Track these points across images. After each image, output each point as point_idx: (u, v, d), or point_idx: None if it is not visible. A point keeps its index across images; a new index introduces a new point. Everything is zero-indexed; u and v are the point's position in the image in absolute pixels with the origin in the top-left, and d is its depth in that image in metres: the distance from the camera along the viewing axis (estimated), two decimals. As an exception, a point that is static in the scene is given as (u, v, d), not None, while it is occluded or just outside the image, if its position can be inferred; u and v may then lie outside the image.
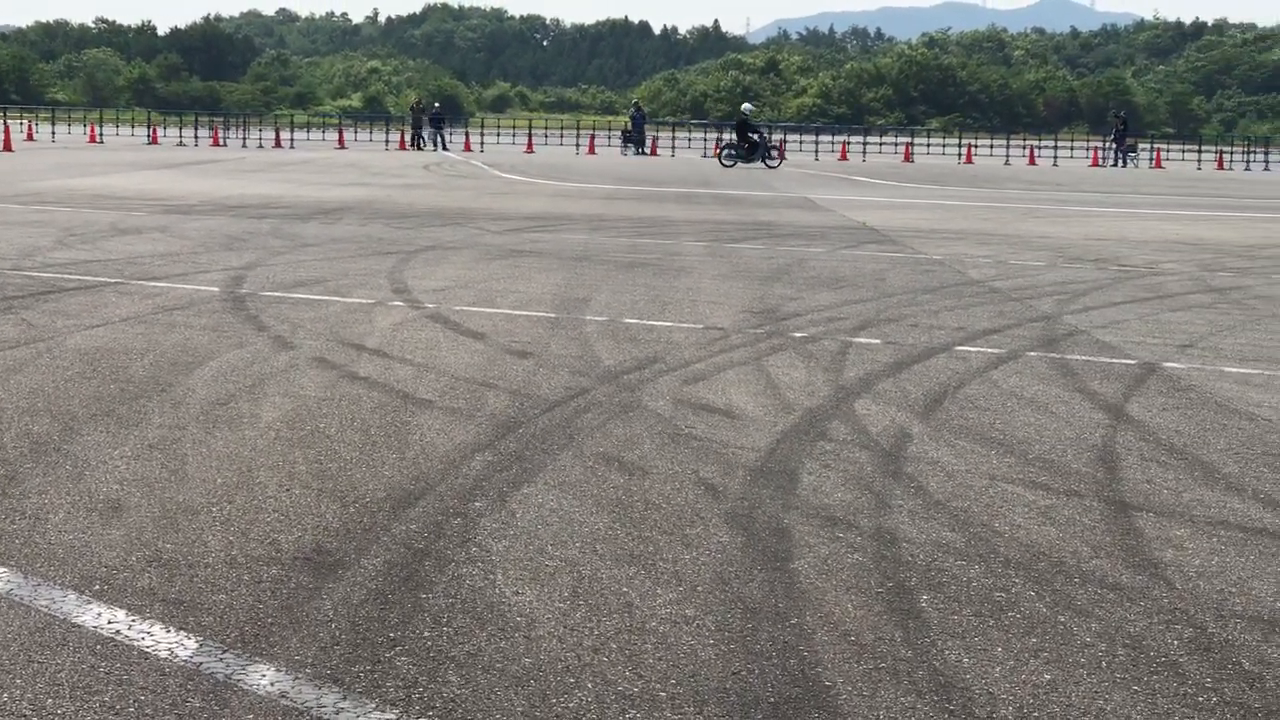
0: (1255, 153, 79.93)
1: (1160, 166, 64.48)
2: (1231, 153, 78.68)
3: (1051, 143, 76.48)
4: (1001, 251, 18.87)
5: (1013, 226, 23.83)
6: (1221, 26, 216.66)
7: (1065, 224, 24.89)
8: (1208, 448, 7.72)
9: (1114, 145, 66.48)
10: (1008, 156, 66.93)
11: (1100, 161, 65.97)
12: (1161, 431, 8.10)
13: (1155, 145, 75.35)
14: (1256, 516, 6.41)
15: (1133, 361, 10.45)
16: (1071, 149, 77.61)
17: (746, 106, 55.08)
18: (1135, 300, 14.10)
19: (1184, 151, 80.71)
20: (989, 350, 10.76)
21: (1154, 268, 17.24)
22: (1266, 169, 66.95)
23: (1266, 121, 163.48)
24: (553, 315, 12.07)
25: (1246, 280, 16.13)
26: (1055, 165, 62.10)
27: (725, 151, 50.87)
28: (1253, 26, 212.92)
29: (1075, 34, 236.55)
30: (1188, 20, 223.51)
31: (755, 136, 51.15)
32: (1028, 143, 79.00)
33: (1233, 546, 5.94)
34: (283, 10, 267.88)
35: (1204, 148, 79.82)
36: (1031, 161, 63.66)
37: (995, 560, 5.67)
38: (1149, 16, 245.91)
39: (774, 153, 50.39)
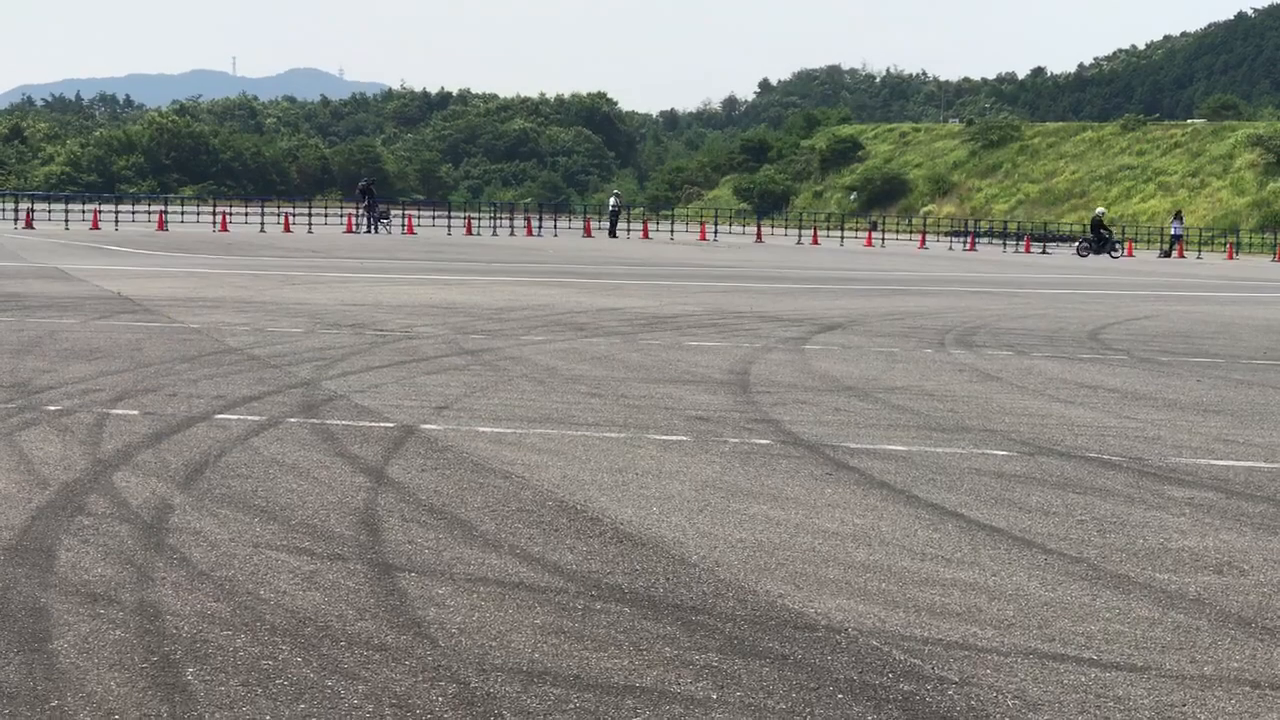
0: (501, 218, 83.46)
1: (413, 232, 66.23)
2: (479, 218, 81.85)
3: (306, 209, 77.11)
4: (259, 319, 18.84)
5: (270, 293, 23.85)
6: (465, 96, 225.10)
7: (322, 290, 25.14)
8: (466, 506, 7.96)
9: (366, 212, 67.76)
10: (263, 224, 66.98)
11: (354, 228, 67.06)
12: (421, 492, 8.29)
13: (407, 211, 77.33)
14: (514, 571, 6.66)
15: (392, 424, 10.65)
16: (326, 215, 78.59)
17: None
18: (392, 364, 14.38)
19: (434, 217, 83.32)
20: (250, 418, 10.71)
21: (409, 331, 17.66)
22: (512, 234, 69.98)
23: (510, 188, 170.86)
24: None
25: (497, 342, 16.77)
26: (310, 232, 62.66)
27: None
28: (494, 97, 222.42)
29: (326, 102, 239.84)
30: (434, 90, 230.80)
31: None
32: (282, 210, 79.40)
33: (492, 601, 6.14)
34: None
35: (453, 213, 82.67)
36: (287, 228, 63.98)
37: (262, 628, 5.63)
38: (396, 86, 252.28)
39: None
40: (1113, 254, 69.03)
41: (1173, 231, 77.88)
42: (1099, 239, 69.62)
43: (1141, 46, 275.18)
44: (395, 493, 8.27)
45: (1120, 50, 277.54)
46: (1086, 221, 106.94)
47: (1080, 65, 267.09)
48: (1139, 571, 6.96)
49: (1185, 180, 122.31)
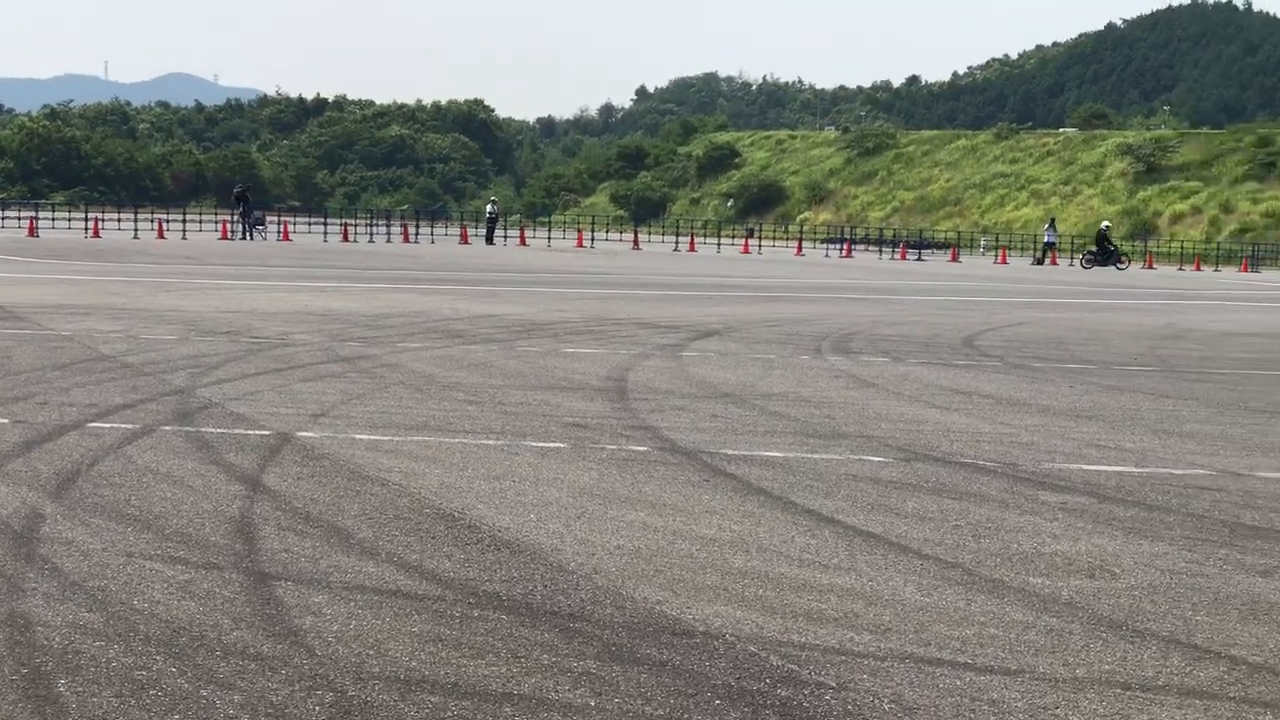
0: (378, 225, 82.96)
1: (289, 239, 65.67)
2: (356, 225, 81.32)
3: (180, 216, 76.21)
4: (133, 326, 18.60)
5: (144, 301, 23.55)
6: (342, 103, 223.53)
7: (197, 297, 24.88)
8: (342, 514, 7.91)
9: (241, 219, 67.11)
10: (136, 230, 66.07)
11: (229, 235, 66.37)
12: (297, 500, 8.22)
13: (283, 218, 76.63)
14: (391, 579, 6.62)
15: (268, 432, 10.56)
16: (200, 222, 77.73)
17: None
18: (268, 371, 14.26)
19: (310, 224, 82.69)
20: (123, 426, 10.57)
21: (286, 339, 17.51)
22: (389, 241, 69.64)
23: (387, 195, 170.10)
24: None
25: (373, 349, 16.68)
26: (185, 239, 61.95)
27: None
28: (371, 103, 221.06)
29: (200, 108, 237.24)
30: (310, 96, 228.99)
31: None
32: (156, 216, 78.42)
33: (369, 609, 6.10)
34: None
35: (330, 220, 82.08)
36: (161, 235, 63.16)
37: (135, 638, 5.56)
38: (272, 92, 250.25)
39: None
40: (1119, 266, 70.04)
41: (1046, 239, 79.00)
42: (1104, 251, 70.96)
43: (1014, 56, 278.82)
44: (271, 501, 8.19)
45: (993, 59, 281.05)
46: (960, 229, 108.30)
47: (954, 74, 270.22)
48: (1013, 576, 7.05)
49: (1057, 188, 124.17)
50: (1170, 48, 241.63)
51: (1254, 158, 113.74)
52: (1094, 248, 72.90)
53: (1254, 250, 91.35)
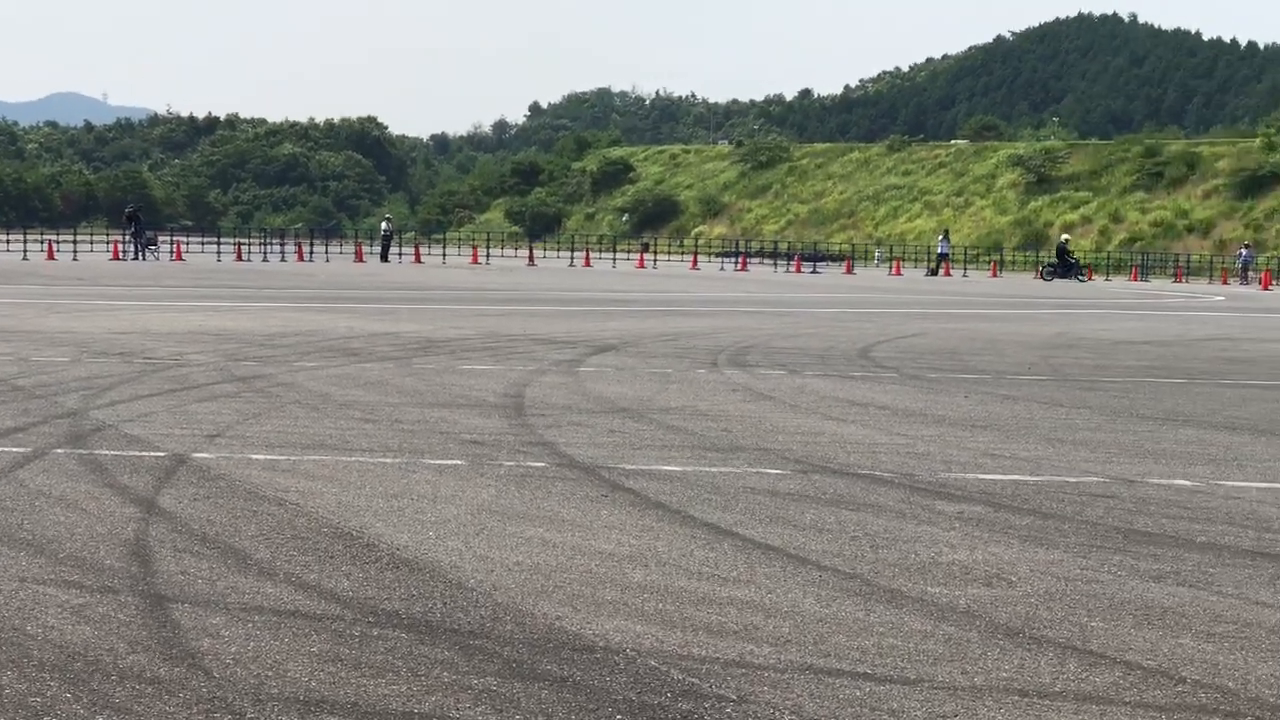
0: (272, 243, 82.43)
1: (181, 259, 65.08)
2: (249, 244, 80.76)
3: (71, 237, 75.30)
4: (24, 348, 18.35)
5: (35, 322, 23.26)
6: (234, 121, 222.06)
7: (89, 318, 24.59)
8: (239, 535, 7.84)
9: (133, 239, 66.46)
10: (25, 251, 65.24)
11: (121, 255, 65.68)
12: (194, 521, 8.15)
13: (175, 238, 75.93)
14: (289, 599, 6.58)
15: (163, 453, 10.45)
16: (91, 243, 76.84)
17: None
18: (163, 392, 14.12)
19: (203, 243, 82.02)
20: (14, 449, 10.43)
21: (180, 359, 17.35)
22: (283, 259, 69.19)
23: (280, 213, 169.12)
24: None
25: (268, 369, 16.56)
26: (75, 259, 61.26)
27: None
28: (263, 121, 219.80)
29: (90, 128, 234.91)
30: (201, 115, 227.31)
31: None
32: (45, 237, 77.41)
33: (268, 630, 6.06)
34: None
35: (223, 239, 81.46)
36: (51, 256, 62.37)
37: (29, 664, 5.49)
38: (163, 111, 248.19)
39: None
40: (1079, 278, 71.09)
41: (939, 250, 79.83)
42: (1064, 264, 72.19)
43: (905, 69, 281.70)
44: (167, 523, 8.11)
45: (885, 72, 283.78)
46: (855, 241, 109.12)
47: (846, 87, 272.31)
48: (911, 585, 7.11)
49: (950, 200, 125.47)
50: (1058, 60, 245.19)
51: (1141, 168, 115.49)
52: (1054, 260, 74.03)
53: (1143, 259, 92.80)
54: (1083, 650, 6.08)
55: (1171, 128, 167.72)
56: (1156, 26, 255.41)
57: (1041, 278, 73.49)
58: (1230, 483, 10.44)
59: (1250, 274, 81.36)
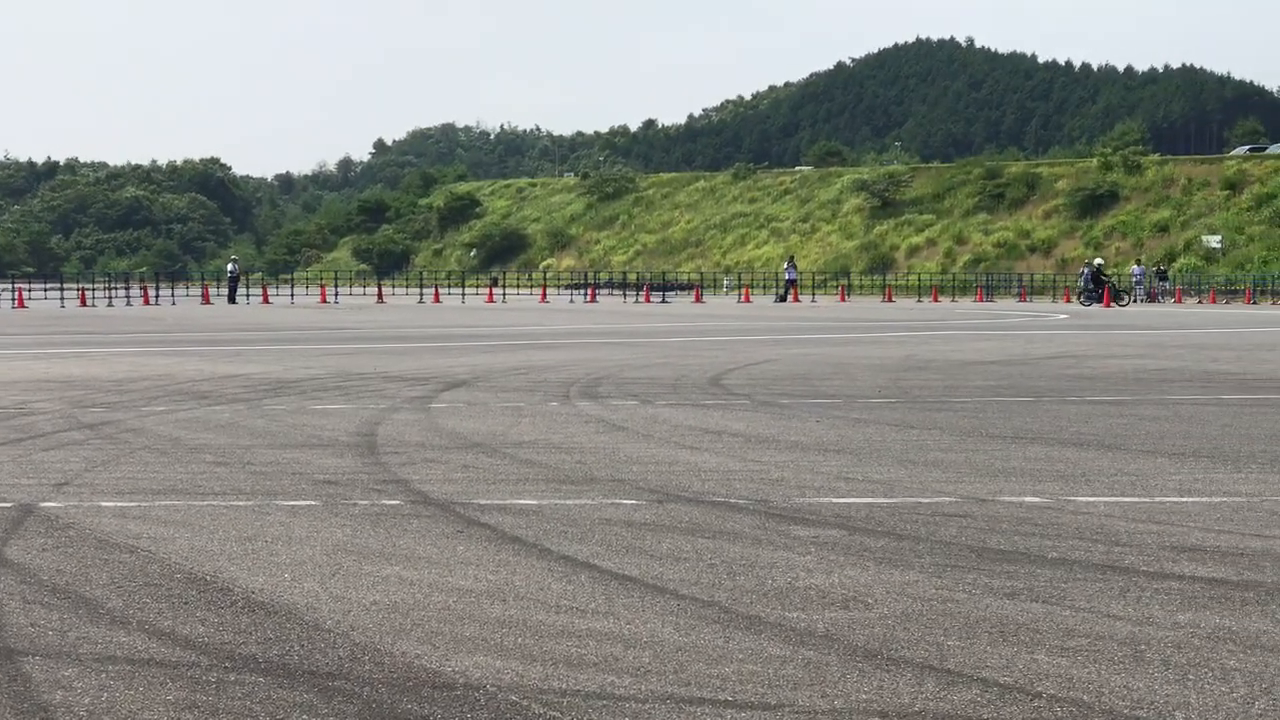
0: (117, 288, 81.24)
1: (24, 305, 63.95)
2: (94, 289, 79.52)
3: (-93, 285, 73.72)
4: None
5: None
6: (74, 166, 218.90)
7: (-73, 368, 24.06)
8: (91, 584, 7.72)
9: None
10: None
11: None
12: (43, 572, 8.00)
13: (16, 285, 74.61)
14: (143, 647, 6.48)
15: (9, 504, 10.25)
16: (-71, 291, 75.30)
17: None
18: (7, 442, 13.85)
19: (46, 289, 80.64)
20: None
21: (25, 408, 17.04)
22: (129, 304, 68.19)
23: (125, 257, 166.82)
24: None
25: (118, 414, 16.31)
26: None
27: None
28: (104, 165, 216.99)
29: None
30: (40, 159, 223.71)
31: None
32: (-119, 286, 75.78)
33: (122, 680, 5.97)
34: None
35: (66, 285, 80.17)
36: (-114, 305, 61.03)
37: (-125, 728, 5.36)
38: (2, 156, 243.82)
39: None
40: (1121, 303, 71.12)
41: (787, 276, 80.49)
42: (1099, 286, 71.43)
43: (748, 97, 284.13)
44: (14, 574, 7.96)
45: (728, 100, 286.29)
46: (703, 269, 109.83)
47: (690, 116, 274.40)
48: (769, 611, 7.15)
49: (797, 225, 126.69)
50: (899, 85, 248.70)
51: (983, 189, 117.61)
52: (1091, 285, 73.37)
53: (988, 280, 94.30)
54: (940, 669, 6.16)
55: (1011, 149, 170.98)
56: (993, 50, 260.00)
57: (1081, 303, 73.18)
58: (1079, 498, 10.63)
59: (1163, 293, 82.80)
